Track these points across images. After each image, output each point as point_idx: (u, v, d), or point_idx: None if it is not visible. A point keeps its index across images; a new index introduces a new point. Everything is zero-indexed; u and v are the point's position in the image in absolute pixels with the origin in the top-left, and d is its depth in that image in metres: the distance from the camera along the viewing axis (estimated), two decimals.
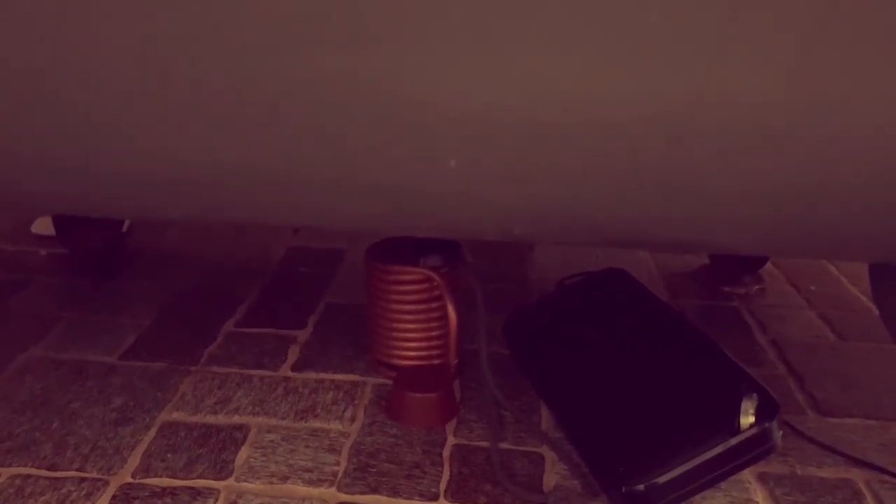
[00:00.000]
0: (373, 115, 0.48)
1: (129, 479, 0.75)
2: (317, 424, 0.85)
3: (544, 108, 0.46)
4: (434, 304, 0.91)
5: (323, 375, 0.95)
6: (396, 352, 0.93)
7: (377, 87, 0.47)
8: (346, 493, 0.74)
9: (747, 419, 0.68)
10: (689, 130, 0.47)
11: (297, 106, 0.48)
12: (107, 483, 0.74)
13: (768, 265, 1.37)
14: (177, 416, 0.86)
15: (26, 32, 0.47)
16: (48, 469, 0.76)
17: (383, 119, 0.48)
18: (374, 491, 0.75)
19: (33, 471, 0.76)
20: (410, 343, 0.92)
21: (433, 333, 0.92)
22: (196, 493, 0.73)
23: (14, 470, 0.76)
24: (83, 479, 0.75)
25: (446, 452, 0.81)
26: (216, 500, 0.73)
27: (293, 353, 1.00)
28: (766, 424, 0.68)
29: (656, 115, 0.46)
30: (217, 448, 0.80)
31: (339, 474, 0.77)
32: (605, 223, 0.54)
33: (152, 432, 0.82)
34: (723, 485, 0.77)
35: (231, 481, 0.75)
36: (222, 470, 0.77)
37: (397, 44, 0.45)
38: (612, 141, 0.48)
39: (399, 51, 0.45)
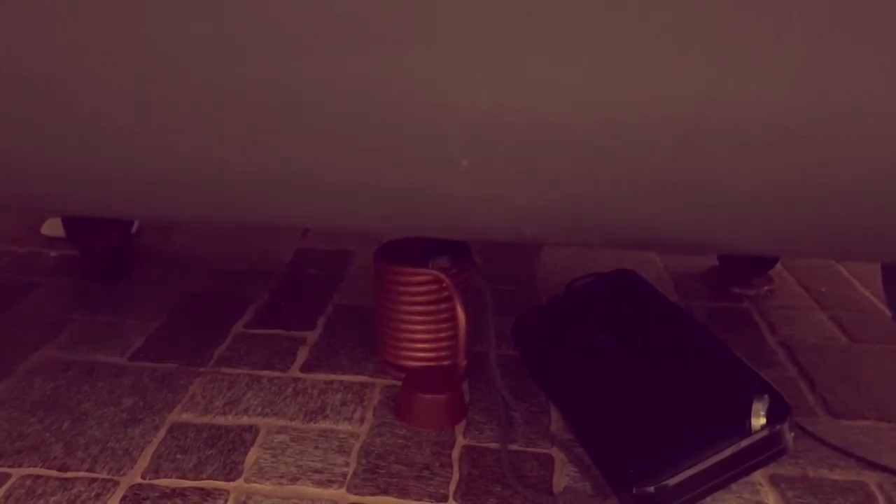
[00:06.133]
0: (383, 116, 0.48)
1: (139, 480, 0.75)
2: (326, 425, 0.85)
3: (555, 110, 0.46)
4: (443, 306, 0.91)
5: (332, 376, 0.95)
6: (405, 353, 0.93)
7: (387, 88, 0.46)
8: (356, 493, 0.74)
9: (758, 421, 0.68)
10: (700, 131, 0.46)
11: (306, 108, 0.48)
12: (117, 484, 0.75)
13: (778, 266, 1.36)
14: (186, 416, 0.86)
15: (37, 35, 0.47)
16: (58, 470, 0.76)
17: (394, 120, 0.48)
18: (384, 492, 0.75)
19: (44, 471, 0.76)
20: (419, 344, 0.92)
21: (442, 335, 0.92)
22: (206, 493, 0.74)
23: (25, 470, 0.76)
24: (93, 480, 0.75)
25: (455, 454, 0.81)
26: (226, 500, 0.73)
27: (302, 355, 1.00)
28: (778, 426, 0.68)
29: (667, 117, 0.46)
30: (226, 449, 0.80)
31: (349, 475, 0.77)
32: (617, 224, 0.54)
33: (162, 433, 0.83)
34: (734, 487, 0.76)
35: (241, 482, 0.75)
36: (232, 471, 0.77)
37: (408, 45, 0.44)
38: (622, 142, 0.47)
39: (409, 52, 0.45)
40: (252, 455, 0.79)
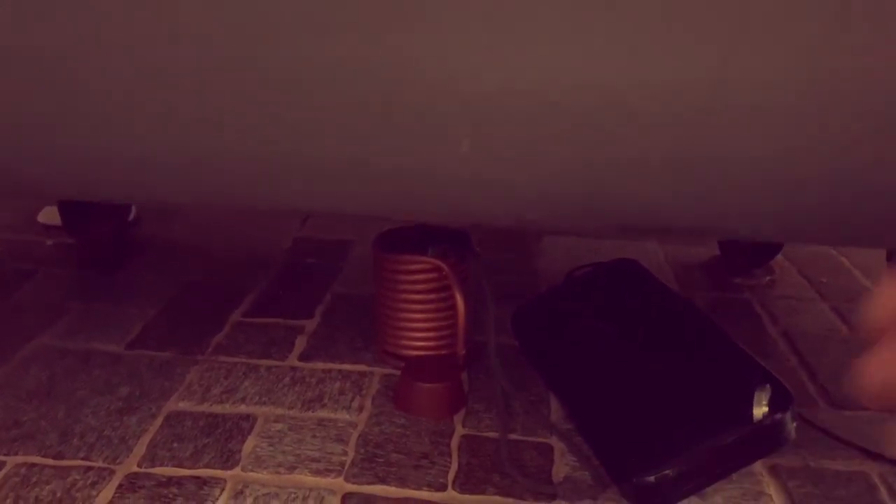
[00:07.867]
0: (383, 97, 0.47)
1: (135, 469, 0.75)
2: (324, 414, 0.84)
3: (558, 90, 0.45)
4: (442, 294, 0.90)
5: (330, 365, 0.94)
6: (404, 342, 0.92)
7: (387, 69, 0.46)
8: (354, 483, 0.74)
9: (760, 410, 0.67)
10: (707, 113, 0.46)
11: (306, 89, 0.48)
12: (112, 472, 0.74)
13: (779, 257, 1.36)
14: (183, 405, 0.85)
15: (32, 15, 0.46)
16: (54, 458, 0.76)
17: (394, 102, 0.47)
18: (382, 481, 0.74)
19: (39, 459, 0.75)
20: (418, 333, 0.91)
21: (441, 324, 0.91)
22: (202, 482, 0.73)
23: (20, 458, 0.75)
24: (89, 468, 0.74)
25: (454, 443, 0.80)
26: (222, 489, 0.72)
27: (300, 343, 0.99)
28: (780, 416, 0.67)
29: (673, 98, 0.45)
30: (223, 437, 0.80)
31: (347, 464, 0.76)
32: (621, 208, 0.53)
33: (158, 421, 0.82)
34: (735, 476, 0.76)
35: (238, 471, 0.75)
36: (229, 459, 0.76)
37: (408, 25, 0.44)
38: (627, 124, 0.47)
39: (410, 32, 0.44)
40: (249, 444, 0.79)
